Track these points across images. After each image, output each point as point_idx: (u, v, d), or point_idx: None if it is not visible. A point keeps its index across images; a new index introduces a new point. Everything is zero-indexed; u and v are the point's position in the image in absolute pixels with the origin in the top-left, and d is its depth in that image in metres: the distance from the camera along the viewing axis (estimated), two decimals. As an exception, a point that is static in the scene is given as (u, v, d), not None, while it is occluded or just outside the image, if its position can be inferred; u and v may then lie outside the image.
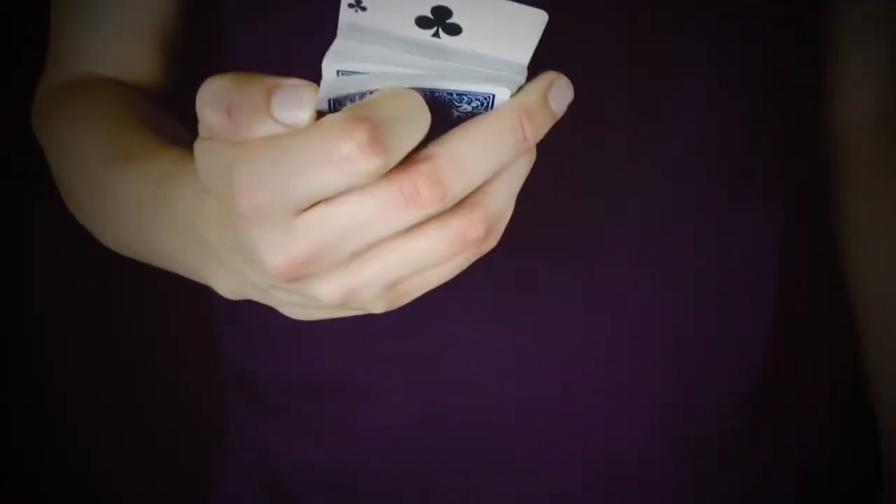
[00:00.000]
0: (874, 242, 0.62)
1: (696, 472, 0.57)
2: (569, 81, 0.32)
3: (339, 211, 0.29)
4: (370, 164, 0.27)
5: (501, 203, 0.32)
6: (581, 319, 0.52)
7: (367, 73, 0.30)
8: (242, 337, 0.60)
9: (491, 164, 0.30)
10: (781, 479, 0.62)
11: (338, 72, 0.30)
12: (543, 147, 0.33)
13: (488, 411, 0.53)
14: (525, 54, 0.31)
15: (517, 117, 0.30)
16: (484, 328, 0.51)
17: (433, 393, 0.53)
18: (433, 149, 0.29)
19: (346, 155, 0.27)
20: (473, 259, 0.33)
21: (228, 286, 0.38)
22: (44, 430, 1.22)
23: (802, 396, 0.67)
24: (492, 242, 0.32)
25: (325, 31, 0.32)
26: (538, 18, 0.30)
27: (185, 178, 0.41)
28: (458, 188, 0.29)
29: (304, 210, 0.29)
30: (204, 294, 0.51)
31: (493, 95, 0.30)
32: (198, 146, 0.31)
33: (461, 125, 0.30)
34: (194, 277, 0.43)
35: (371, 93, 0.30)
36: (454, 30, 0.30)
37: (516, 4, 0.30)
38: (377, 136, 0.27)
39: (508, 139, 0.30)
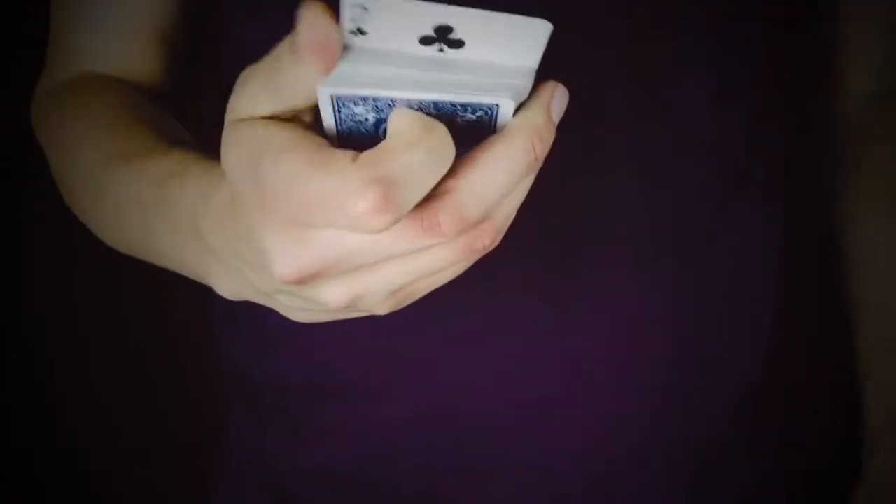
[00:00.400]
0: (874, 235, 0.62)
1: (695, 473, 0.57)
2: (566, 90, 0.32)
3: (357, 234, 0.29)
4: (380, 222, 0.28)
5: (507, 213, 0.33)
6: (581, 319, 0.52)
7: (368, 94, 0.30)
8: (242, 337, 0.60)
9: (506, 188, 0.31)
10: (781, 479, 0.62)
11: (331, 97, 0.30)
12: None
13: (488, 411, 0.53)
14: (531, 63, 0.31)
15: (529, 141, 0.30)
16: (484, 328, 0.51)
17: (433, 393, 0.53)
18: (452, 182, 0.30)
19: (358, 214, 0.27)
20: (476, 259, 0.34)
21: (228, 287, 0.38)
22: (44, 430, 1.22)
23: (802, 396, 0.66)
24: (495, 244, 0.33)
25: None
26: (542, 29, 0.30)
27: (187, 179, 0.41)
28: (476, 216, 0.30)
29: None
30: (204, 294, 0.51)
31: (497, 106, 0.30)
32: (228, 133, 0.31)
33: (476, 152, 0.30)
34: (194, 277, 0.43)
35: (375, 102, 0.30)
36: (457, 44, 0.30)
37: (519, 17, 0.29)
38: (390, 196, 0.27)
39: (522, 163, 0.31)
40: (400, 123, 0.29)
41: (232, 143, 0.31)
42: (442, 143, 0.29)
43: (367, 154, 0.28)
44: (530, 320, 0.51)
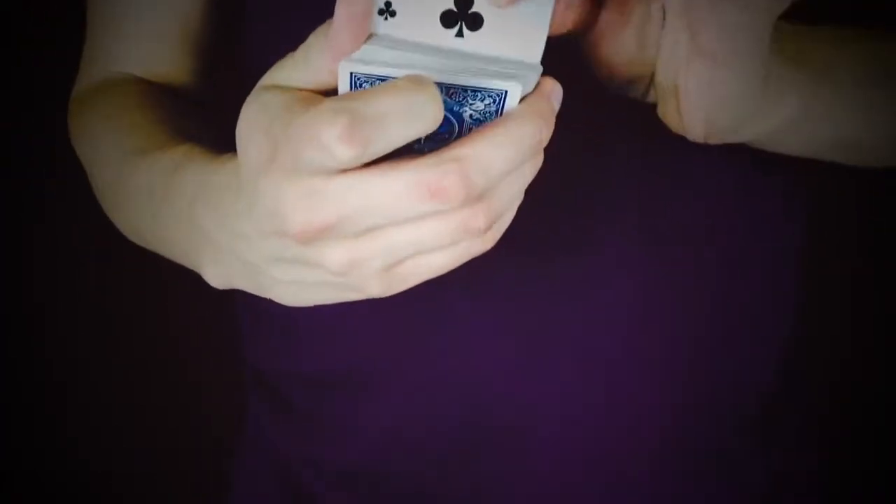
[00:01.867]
0: None
1: (707, 464, 0.56)
2: (561, 88, 0.34)
3: (369, 186, 0.31)
4: (344, 153, 0.29)
5: (505, 200, 0.34)
6: (588, 316, 0.51)
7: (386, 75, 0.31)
8: (260, 330, 0.61)
9: (511, 166, 0.32)
10: (802, 473, 0.62)
11: (351, 74, 0.31)
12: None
13: (497, 409, 0.53)
14: (537, 51, 0.33)
15: (535, 121, 0.32)
16: (492, 324, 0.51)
17: (441, 389, 0.53)
18: (461, 149, 0.31)
19: (324, 142, 0.29)
20: (470, 256, 0.35)
21: (217, 272, 0.40)
22: (44, 430, 1.22)
23: (823, 391, 0.66)
24: (489, 242, 0.35)
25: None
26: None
27: (190, 168, 0.43)
28: (480, 187, 0.31)
29: (335, 176, 0.31)
30: (205, 293, 0.51)
31: (506, 91, 0.32)
32: (252, 97, 0.34)
33: (486, 127, 0.32)
34: (188, 264, 0.45)
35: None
36: (477, 21, 0.32)
37: None
38: (355, 129, 0.29)
39: (528, 142, 0.32)
40: (401, 77, 0.30)
41: (253, 102, 0.33)
42: (423, 98, 0.30)
43: (348, 92, 0.30)
44: (537, 317, 0.51)
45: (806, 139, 0.46)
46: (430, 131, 0.30)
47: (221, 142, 0.48)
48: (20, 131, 0.90)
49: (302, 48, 0.33)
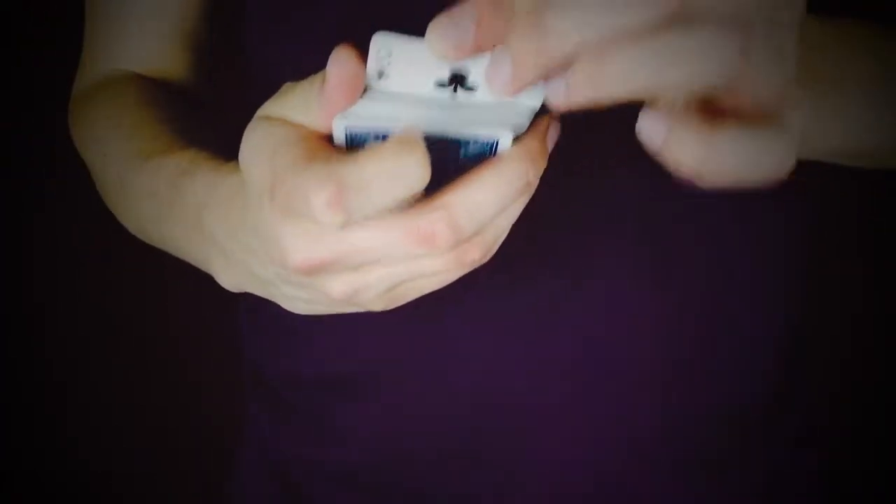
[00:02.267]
0: None
1: (705, 476, 0.57)
2: (558, 125, 0.35)
3: (363, 233, 0.32)
4: (332, 219, 0.30)
5: (498, 232, 0.35)
6: (590, 319, 0.51)
7: (378, 127, 0.32)
8: (260, 331, 0.61)
9: (499, 208, 0.33)
10: (796, 485, 0.62)
11: (345, 128, 0.32)
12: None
13: (497, 411, 0.53)
14: (534, 102, 0.33)
15: (524, 166, 0.33)
16: (494, 330, 0.51)
17: (442, 392, 0.53)
18: (451, 197, 0.32)
19: (312, 207, 0.30)
20: (465, 272, 0.36)
21: (229, 278, 0.41)
22: (44, 430, 1.22)
23: (824, 391, 0.66)
24: (484, 259, 0.35)
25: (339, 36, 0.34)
26: None
27: (197, 174, 0.44)
28: (469, 231, 0.32)
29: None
30: (206, 294, 0.51)
31: (497, 140, 0.32)
32: (255, 125, 0.34)
33: (474, 172, 0.32)
34: (199, 266, 0.45)
35: (384, 137, 0.32)
36: (470, 89, 0.33)
37: None
38: (341, 197, 0.30)
39: (516, 185, 0.33)
40: (389, 140, 0.31)
41: (256, 130, 0.34)
42: (410, 163, 0.30)
43: (342, 156, 0.31)
44: (536, 321, 0.51)
45: (808, 146, 0.46)
46: (416, 192, 0.31)
47: (222, 141, 0.48)
48: (20, 131, 0.90)
49: (301, 91, 0.34)
